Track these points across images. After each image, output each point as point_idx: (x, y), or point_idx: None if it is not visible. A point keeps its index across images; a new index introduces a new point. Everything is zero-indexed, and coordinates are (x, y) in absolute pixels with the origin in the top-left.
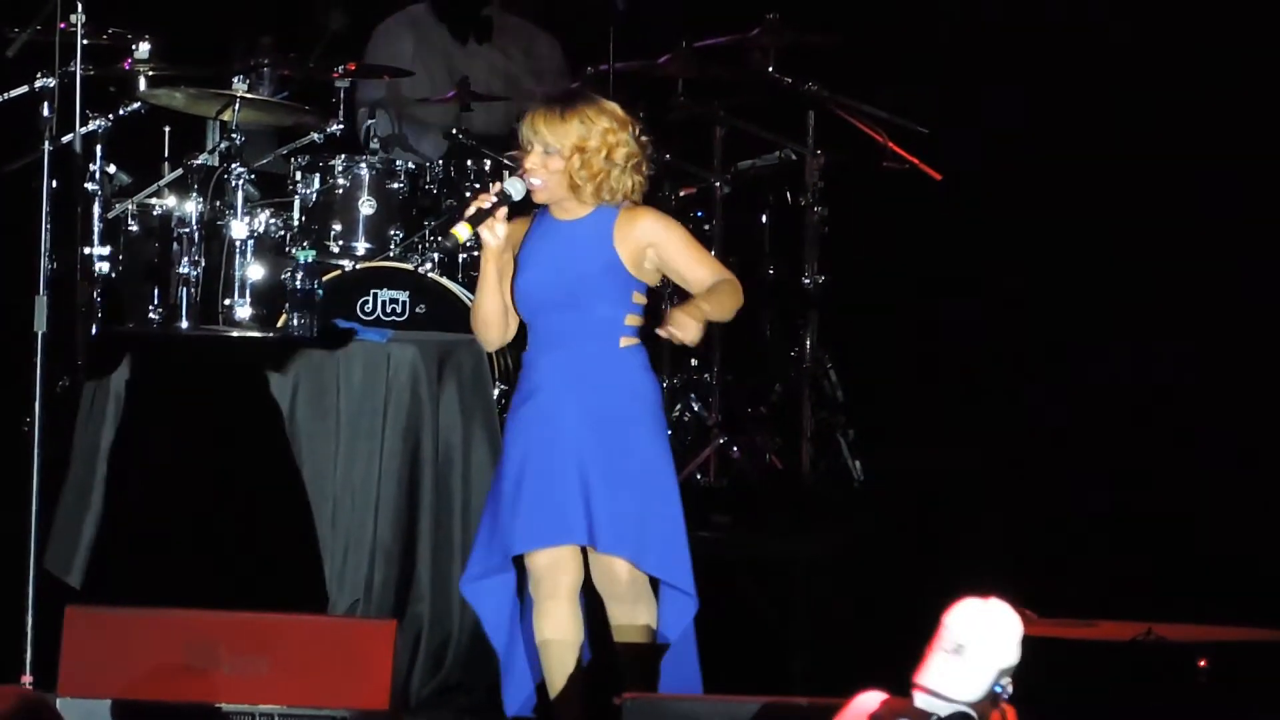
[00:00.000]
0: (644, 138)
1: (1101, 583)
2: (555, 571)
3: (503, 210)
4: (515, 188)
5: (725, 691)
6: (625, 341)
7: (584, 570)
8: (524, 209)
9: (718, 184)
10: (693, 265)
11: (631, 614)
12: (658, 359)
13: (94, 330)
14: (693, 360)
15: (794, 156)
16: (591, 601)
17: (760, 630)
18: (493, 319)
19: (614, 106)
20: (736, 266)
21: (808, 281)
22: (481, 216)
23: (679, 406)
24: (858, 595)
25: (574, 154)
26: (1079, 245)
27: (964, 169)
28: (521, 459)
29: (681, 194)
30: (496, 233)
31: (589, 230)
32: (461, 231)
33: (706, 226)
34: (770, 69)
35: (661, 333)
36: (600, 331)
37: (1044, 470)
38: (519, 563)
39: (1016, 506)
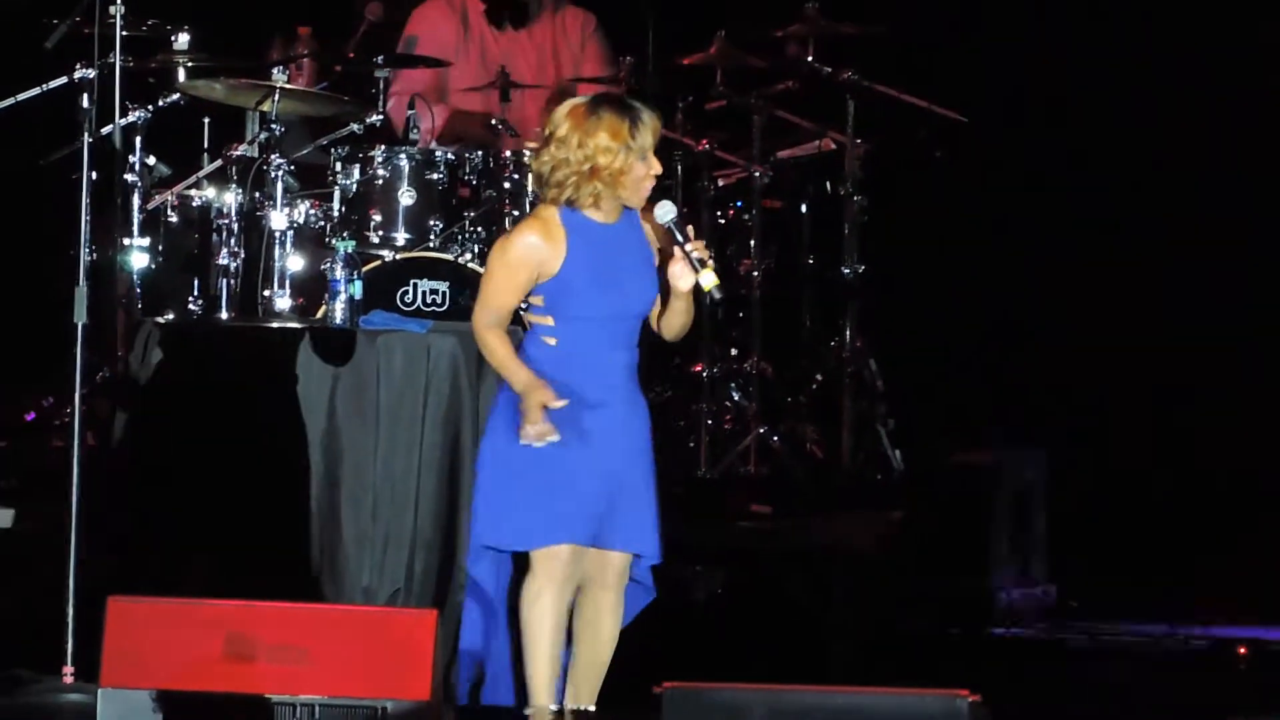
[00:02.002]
0: None
1: (1142, 576)
2: (577, 563)
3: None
4: (669, 209)
5: (765, 680)
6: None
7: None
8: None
9: (757, 173)
10: None
11: (616, 602)
12: (697, 347)
13: (132, 321)
14: (733, 350)
15: (833, 146)
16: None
17: (800, 619)
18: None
19: None
20: (775, 256)
21: (847, 271)
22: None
23: (719, 396)
24: (897, 585)
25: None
26: (1124, 234)
27: (1005, 158)
28: (566, 459)
29: (721, 183)
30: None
31: (633, 235)
32: (711, 278)
33: (746, 216)
34: (809, 58)
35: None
36: (626, 341)
37: (1087, 459)
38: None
39: (1058, 497)
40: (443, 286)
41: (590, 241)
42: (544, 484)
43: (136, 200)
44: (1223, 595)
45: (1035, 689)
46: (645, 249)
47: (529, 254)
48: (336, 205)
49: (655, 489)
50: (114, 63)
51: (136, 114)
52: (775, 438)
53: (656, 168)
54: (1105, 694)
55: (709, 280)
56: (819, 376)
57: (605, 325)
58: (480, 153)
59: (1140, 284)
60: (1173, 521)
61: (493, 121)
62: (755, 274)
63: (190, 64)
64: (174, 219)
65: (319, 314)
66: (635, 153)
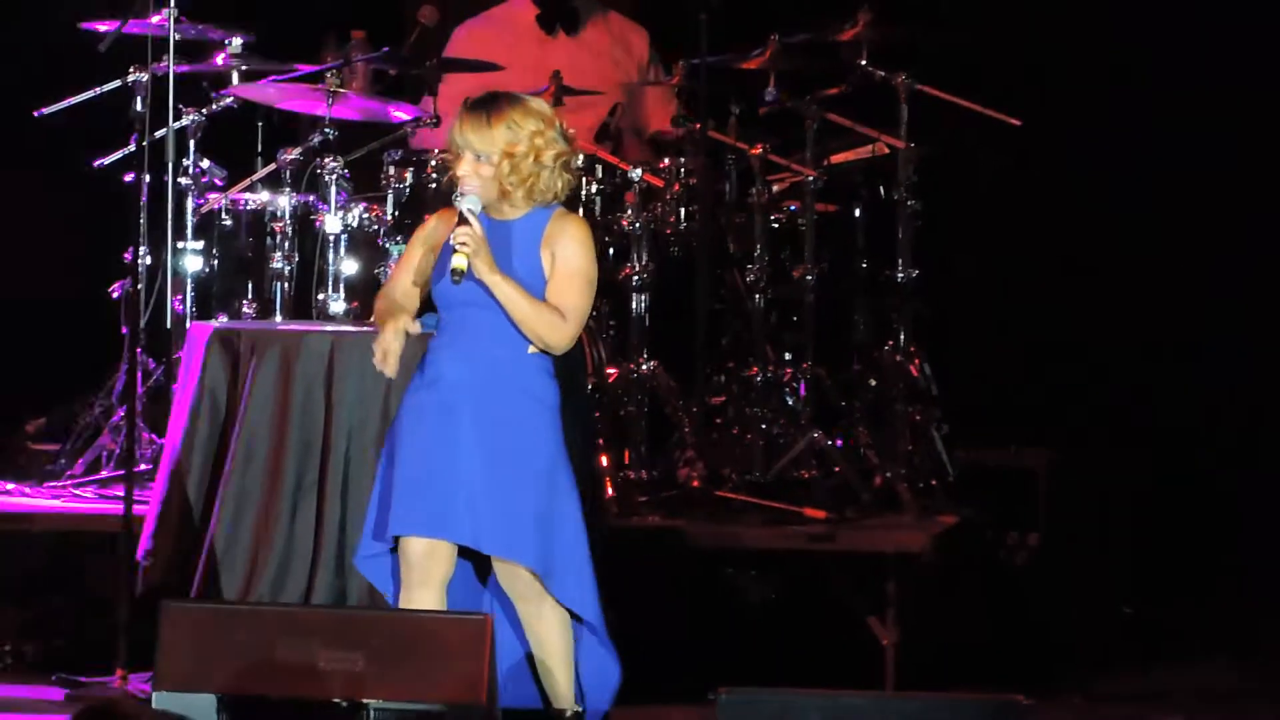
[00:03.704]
0: (570, 132)
1: (1200, 581)
2: (429, 561)
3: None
4: (474, 202)
5: (820, 685)
6: (534, 348)
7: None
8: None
9: (810, 177)
10: (561, 288)
11: (537, 612)
12: (750, 351)
13: (186, 325)
14: (786, 354)
15: (887, 150)
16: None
17: (854, 624)
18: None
19: (540, 105)
20: (829, 260)
21: (900, 275)
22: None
23: (772, 400)
24: (951, 589)
25: (503, 159)
26: (1178, 238)
27: (1059, 162)
28: (415, 447)
29: (774, 188)
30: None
31: (520, 234)
32: (460, 262)
33: (799, 220)
34: (863, 62)
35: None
36: (513, 336)
37: (1138, 464)
38: None
39: (1110, 499)
40: None
41: None
42: (387, 484)
43: (190, 203)
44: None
45: (1089, 693)
46: (522, 247)
47: (423, 233)
48: (390, 208)
49: (538, 491)
50: (167, 66)
51: (190, 117)
52: (829, 442)
53: (461, 166)
54: (1166, 698)
55: (455, 261)
56: (872, 381)
57: (453, 311)
58: None
59: (1202, 285)
60: (1239, 526)
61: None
62: (809, 278)
63: (244, 68)
64: (227, 222)
65: (373, 317)
66: (454, 148)
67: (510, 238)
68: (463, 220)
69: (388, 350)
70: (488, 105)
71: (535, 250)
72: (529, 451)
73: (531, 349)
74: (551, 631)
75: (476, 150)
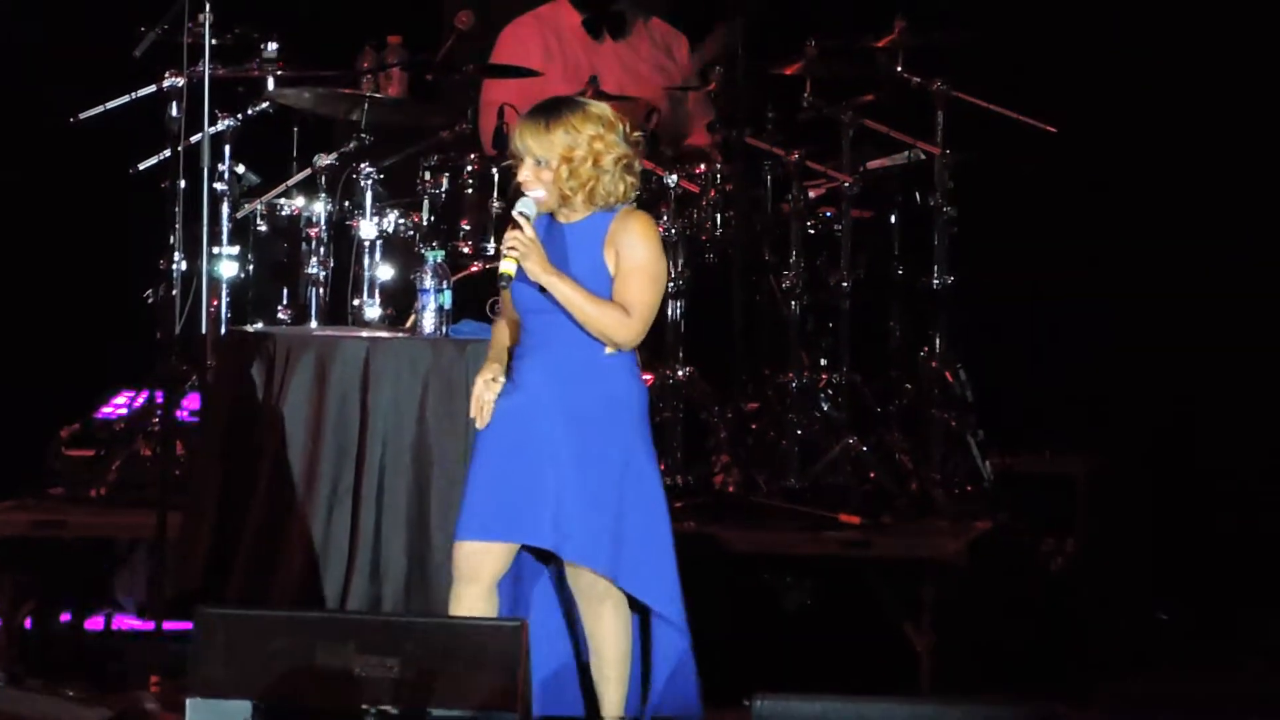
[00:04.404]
0: (635, 134)
1: (1239, 587)
2: (481, 557)
3: (528, 226)
4: (528, 205)
5: (855, 691)
6: (611, 348)
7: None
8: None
9: (846, 184)
10: (625, 285)
11: (597, 613)
12: (785, 357)
13: (221, 330)
14: (822, 360)
15: (923, 156)
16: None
17: (889, 629)
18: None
19: (601, 109)
20: (865, 266)
21: (936, 282)
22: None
23: (808, 406)
24: (986, 595)
25: (561, 164)
26: (1218, 245)
27: (1095, 169)
28: (491, 452)
29: (811, 194)
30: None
31: (582, 235)
32: (508, 266)
33: (836, 226)
34: (899, 68)
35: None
36: (587, 338)
37: (1175, 470)
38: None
39: (1148, 506)
40: None
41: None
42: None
43: (226, 209)
44: None
45: (1126, 699)
46: (583, 249)
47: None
48: (426, 214)
49: (615, 492)
50: (203, 71)
51: (226, 122)
52: (864, 448)
53: (521, 173)
54: (1203, 705)
55: (502, 266)
56: (908, 387)
57: (528, 318)
58: None
59: (1241, 293)
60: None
61: None
62: (845, 284)
63: (281, 73)
64: (263, 228)
65: (408, 323)
66: (515, 154)
67: (572, 240)
68: (515, 224)
69: (483, 405)
70: (546, 111)
71: (597, 251)
72: (608, 452)
73: (608, 349)
74: (609, 635)
75: (535, 155)
